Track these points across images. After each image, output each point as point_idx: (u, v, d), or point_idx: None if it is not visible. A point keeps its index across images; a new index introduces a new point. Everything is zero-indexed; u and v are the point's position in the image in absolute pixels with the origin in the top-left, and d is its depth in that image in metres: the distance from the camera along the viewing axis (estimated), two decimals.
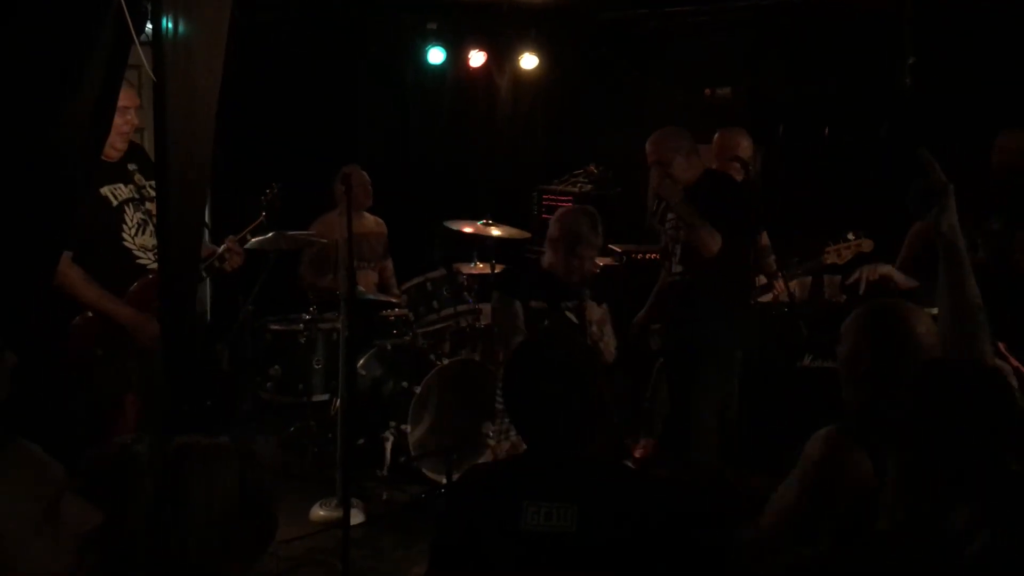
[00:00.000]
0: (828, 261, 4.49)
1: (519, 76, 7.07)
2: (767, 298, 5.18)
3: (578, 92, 7.00)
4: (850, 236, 4.43)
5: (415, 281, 5.31)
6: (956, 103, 5.19)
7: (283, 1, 6.04)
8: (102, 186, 3.56)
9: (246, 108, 5.56)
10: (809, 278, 5.83)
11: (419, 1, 6.61)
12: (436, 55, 6.76)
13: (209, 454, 1.40)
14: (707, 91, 6.53)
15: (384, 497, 4.65)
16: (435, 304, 5.18)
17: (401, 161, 6.95)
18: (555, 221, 4.20)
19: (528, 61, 6.85)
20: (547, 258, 4.19)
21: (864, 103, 5.72)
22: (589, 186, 6.61)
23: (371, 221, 5.69)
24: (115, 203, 3.60)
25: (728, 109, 6.21)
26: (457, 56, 6.85)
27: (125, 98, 3.38)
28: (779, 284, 4.64)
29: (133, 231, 3.64)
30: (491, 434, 4.26)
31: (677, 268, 4.32)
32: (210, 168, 3.13)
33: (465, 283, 5.34)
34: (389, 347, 5.10)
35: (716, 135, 5.00)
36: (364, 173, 5.45)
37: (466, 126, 7.30)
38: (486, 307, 5.47)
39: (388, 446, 4.71)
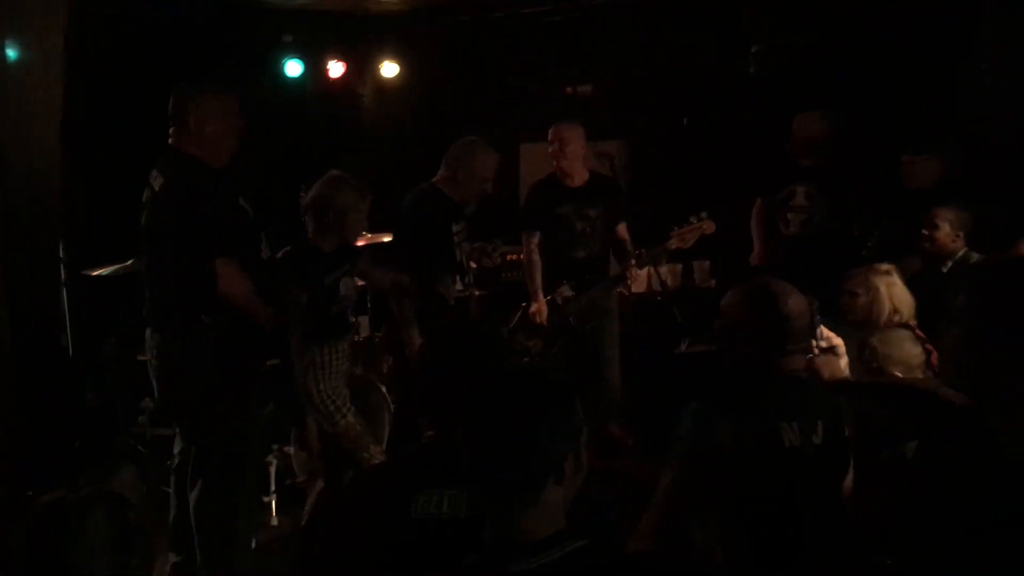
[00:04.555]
0: (672, 246, 4.64)
1: (381, 84, 7.02)
2: (641, 288, 5.31)
3: (442, 97, 6.99)
4: (692, 219, 4.58)
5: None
6: (796, 87, 5.46)
7: (133, 19, 5.83)
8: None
9: (95, 129, 5.35)
10: (679, 265, 6.01)
11: (273, 14, 6.47)
12: (293, 68, 6.64)
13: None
14: (568, 89, 6.62)
15: (273, 523, 4.52)
16: None
17: (265, 178, 6.78)
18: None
19: (389, 69, 6.80)
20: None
21: (716, 91, 5.92)
22: None
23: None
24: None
25: (589, 105, 6.31)
26: (316, 68, 6.75)
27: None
28: (631, 272, 4.80)
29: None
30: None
31: None
32: (59, 195, 2.98)
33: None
34: (266, 369, 4.95)
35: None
36: None
37: (331, 138, 7.19)
38: (364, 321, 5.41)
39: (272, 470, 4.58)
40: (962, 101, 5.22)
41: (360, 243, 5.34)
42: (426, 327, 4.36)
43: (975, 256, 4.23)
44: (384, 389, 4.65)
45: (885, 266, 3.55)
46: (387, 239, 5.40)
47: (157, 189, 3.50)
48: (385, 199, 6.83)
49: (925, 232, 4.31)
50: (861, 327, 3.16)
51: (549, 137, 5.07)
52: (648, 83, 6.24)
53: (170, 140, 3.57)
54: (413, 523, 1.92)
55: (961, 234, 4.26)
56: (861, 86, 5.42)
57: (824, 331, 2.56)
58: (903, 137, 5.18)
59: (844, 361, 2.56)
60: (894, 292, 3.40)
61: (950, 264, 4.22)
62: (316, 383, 3.97)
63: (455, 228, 4.64)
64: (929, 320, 3.51)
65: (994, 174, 4.85)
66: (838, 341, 2.59)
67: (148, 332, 3.60)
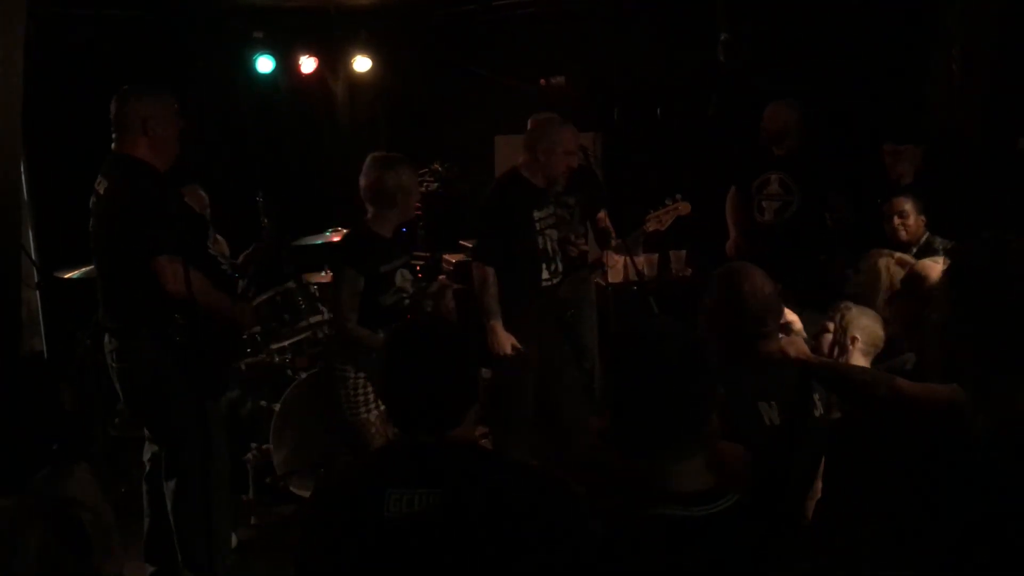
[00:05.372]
0: (650, 228, 4.66)
1: (354, 79, 6.98)
2: (618, 278, 5.31)
3: (416, 91, 6.97)
4: (668, 201, 4.60)
5: (265, 296, 5.15)
6: (767, 76, 5.49)
7: (102, 17, 5.78)
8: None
9: (63, 127, 5.30)
10: (656, 255, 6.03)
11: (244, 10, 6.42)
12: (265, 64, 6.60)
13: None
14: (542, 81, 6.62)
15: (253, 521, 4.51)
16: (287, 318, 5.04)
17: (240, 175, 6.74)
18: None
19: (361, 64, 6.77)
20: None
21: (689, 81, 5.94)
22: (435, 184, 6.60)
23: (217, 243, 5.49)
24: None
25: (563, 97, 6.31)
26: (287, 64, 6.71)
27: None
28: (608, 256, 4.76)
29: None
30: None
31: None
32: (21, 191, 2.95)
33: (317, 293, 5.23)
34: (243, 367, 4.94)
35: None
36: (202, 192, 5.28)
37: (305, 134, 7.16)
38: None
39: (251, 468, 4.56)
40: (932, 91, 5.27)
41: (335, 238, 5.34)
42: (510, 319, 4.33)
43: (938, 240, 4.30)
44: None
45: (898, 253, 3.57)
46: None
47: (102, 193, 3.52)
48: (359, 194, 6.86)
49: (897, 221, 4.39)
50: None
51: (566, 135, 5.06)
52: (621, 74, 6.25)
53: (113, 145, 3.58)
54: (386, 522, 1.90)
55: (923, 219, 4.38)
56: (832, 75, 5.46)
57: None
58: (876, 126, 5.23)
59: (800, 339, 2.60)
60: (896, 276, 3.42)
61: (915, 251, 4.29)
62: (355, 365, 3.86)
63: (537, 214, 4.47)
64: None
65: (962, 162, 4.92)
66: (793, 317, 2.65)
67: (107, 338, 3.60)
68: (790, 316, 2.61)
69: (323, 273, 5.45)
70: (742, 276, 2.51)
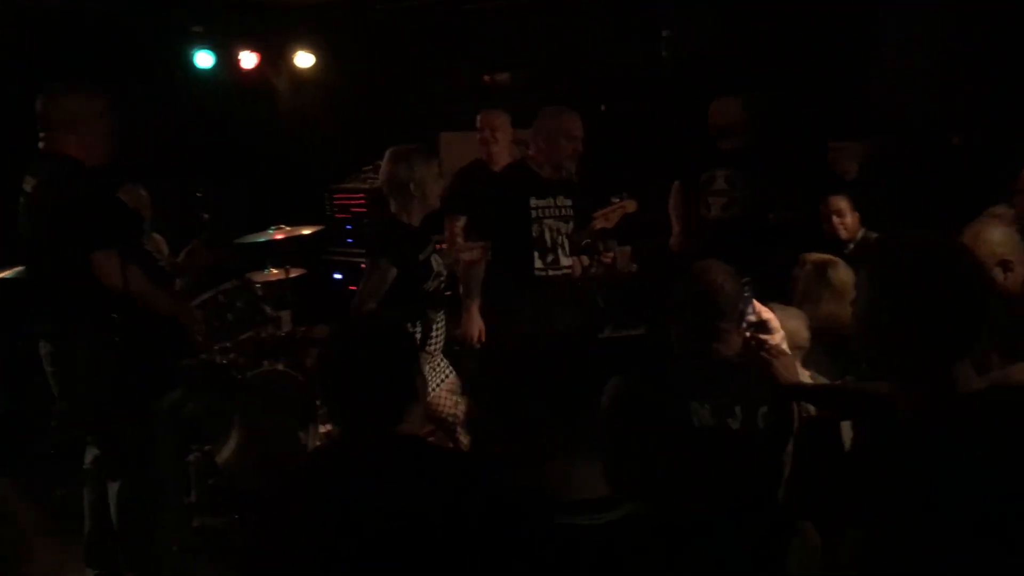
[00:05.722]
0: (598, 227, 4.67)
1: (296, 75, 6.90)
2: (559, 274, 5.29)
3: (361, 87, 6.91)
4: (614, 199, 4.63)
5: (206, 296, 5.06)
6: (710, 71, 5.55)
7: (31, 9, 5.62)
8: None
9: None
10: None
11: (183, 4, 6.31)
12: (204, 59, 6.49)
13: None
14: (486, 77, 6.61)
15: (196, 524, 4.43)
16: (230, 317, 4.95)
17: (181, 173, 6.62)
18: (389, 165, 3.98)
19: (303, 59, 6.70)
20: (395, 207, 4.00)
21: (633, 77, 5.98)
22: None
23: (154, 240, 5.39)
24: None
25: (508, 94, 6.32)
26: (228, 59, 6.60)
27: None
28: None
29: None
30: (305, 443, 4.16)
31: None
32: None
33: (260, 292, 5.16)
34: (186, 367, 4.84)
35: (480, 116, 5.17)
36: (143, 192, 5.20)
37: (247, 130, 7.05)
38: (286, 315, 5.33)
39: (194, 470, 4.48)
40: (872, 87, 5.36)
41: (279, 236, 5.27)
42: (495, 306, 4.38)
43: (874, 236, 4.39)
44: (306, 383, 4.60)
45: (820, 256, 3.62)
46: (307, 232, 5.33)
47: (30, 192, 3.43)
48: (303, 191, 6.78)
49: (836, 220, 4.47)
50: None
51: (479, 124, 5.13)
52: (565, 70, 6.27)
53: (40, 144, 3.49)
54: (340, 519, 1.90)
55: (857, 215, 4.46)
56: (775, 71, 5.53)
57: (756, 305, 2.55)
58: (820, 123, 5.30)
59: (779, 336, 2.55)
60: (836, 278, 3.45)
61: (852, 247, 4.38)
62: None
63: (535, 203, 4.46)
64: None
65: (902, 159, 5.02)
66: (769, 315, 2.59)
67: (41, 341, 3.51)
68: (766, 314, 2.56)
69: (266, 271, 5.38)
70: (704, 274, 2.50)
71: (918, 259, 1.84)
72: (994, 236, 2.92)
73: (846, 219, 4.47)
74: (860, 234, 4.47)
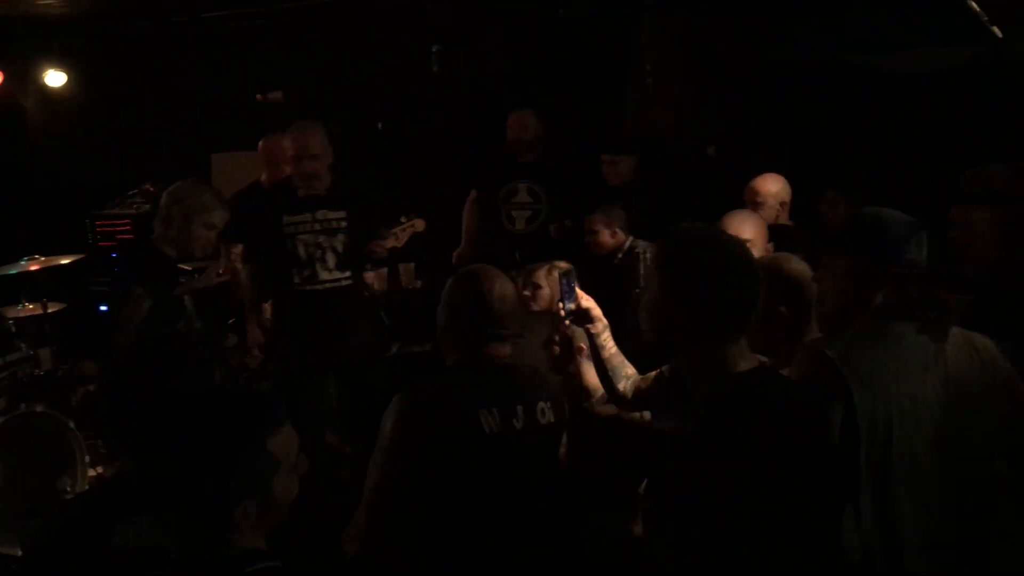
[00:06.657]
0: (388, 245, 4.66)
1: (47, 95, 6.43)
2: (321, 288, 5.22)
3: (121, 108, 6.52)
4: (403, 219, 4.64)
5: None
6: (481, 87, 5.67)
7: None
8: None
9: None
10: (385, 269, 6.01)
11: None
12: None
13: None
14: (258, 96, 6.44)
15: None
16: None
17: None
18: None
19: (54, 78, 6.26)
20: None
21: (407, 93, 6.01)
22: (147, 206, 6.19)
23: None
24: None
25: (280, 113, 6.17)
26: None
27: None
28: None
29: None
30: (68, 489, 3.84)
31: None
32: None
33: (14, 329, 4.76)
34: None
35: (261, 142, 5.04)
36: None
37: None
38: (44, 352, 4.93)
39: None
40: (629, 101, 5.65)
41: (34, 267, 4.87)
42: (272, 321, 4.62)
43: (641, 244, 4.58)
44: (72, 424, 4.26)
45: (563, 264, 3.72)
46: (66, 261, 4.95)
47: None
48: (61, 218, 6.31)
49: (588, 237, 4.63)
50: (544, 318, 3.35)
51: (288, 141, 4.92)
52: (338, 89, 6.21)
53: None
54: (114, 554, 1.85)
55: (619, 229, 4.60)
56: (543, 84, 5.71)
57: (579, 293, 2.53)
58: (592, 135, 5.51)
59: (602, 324, 2.51)
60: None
61: (620, 256, 4.58)
62: None
63: (288, 219, 4.39)
64: (615, 307, 3.75)
65: (664, 169, 5.31)
66: (590, 303, 2.50)
67: None
68: (587, 302, 2.52)
69: (20, 307, 4.96)
70: (482, 278, 2.47)
71: (691, 248, 2.03)
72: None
73: (596, 237, 4.60)
74: (628, 243, 4.63)
